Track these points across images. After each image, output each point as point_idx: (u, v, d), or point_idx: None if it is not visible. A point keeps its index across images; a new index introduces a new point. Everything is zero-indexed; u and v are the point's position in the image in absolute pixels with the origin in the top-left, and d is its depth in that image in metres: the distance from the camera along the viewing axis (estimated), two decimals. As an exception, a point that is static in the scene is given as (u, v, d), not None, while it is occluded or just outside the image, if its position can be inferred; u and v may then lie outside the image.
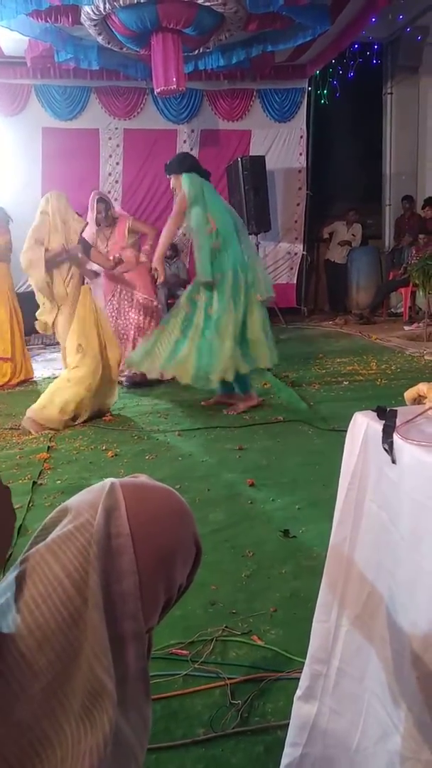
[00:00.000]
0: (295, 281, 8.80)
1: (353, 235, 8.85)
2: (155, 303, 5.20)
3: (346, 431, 1.04)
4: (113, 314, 5.11)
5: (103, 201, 5.04)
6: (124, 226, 5.07)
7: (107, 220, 5.02)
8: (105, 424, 3.90)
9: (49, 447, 3.46)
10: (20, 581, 0.70)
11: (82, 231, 4.20)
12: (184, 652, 1.63)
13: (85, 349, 3.95)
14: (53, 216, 3.98)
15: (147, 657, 0.74)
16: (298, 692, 1.12)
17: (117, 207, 7.08)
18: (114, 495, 0.74)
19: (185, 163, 4.01)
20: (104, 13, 5.42)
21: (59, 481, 2.93)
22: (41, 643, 0.67)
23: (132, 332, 5.07)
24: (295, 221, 8.67)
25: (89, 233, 4.92)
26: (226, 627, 1.73)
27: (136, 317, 5.08)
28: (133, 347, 5.02)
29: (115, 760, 0.66)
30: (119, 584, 0.69)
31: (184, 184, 3.89)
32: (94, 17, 5.51)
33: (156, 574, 0.72)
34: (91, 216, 5.00)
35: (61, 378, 4.02)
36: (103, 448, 3.41)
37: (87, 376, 3.92)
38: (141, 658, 0.71)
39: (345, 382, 4.71)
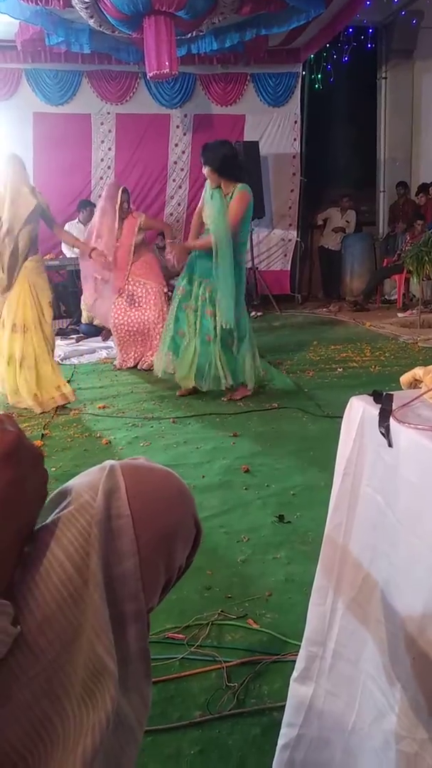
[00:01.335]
0: (289, 268, 8.78)
1: (347, 221, 8.81)
2: (167, 291, 5.19)
3: (340, 417, 1.04)
4: (123, 310, 5.08)
5: (127, 192, 5.04)
6: (135, 222, 5.02)
7: (125, 213, 4.99)
8: (99, 412, 3.90)
9: (43, 434, 3.46)
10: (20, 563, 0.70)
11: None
12: (181, 636, 1.64)
13: (26, 325, 3.93)
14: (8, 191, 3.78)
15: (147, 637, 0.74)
16: (295, 674, 1.13)
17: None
18: (114, 476, 0.74)
19: (232, 164, 3.84)
20: (96, -4, 5.34)
21: (54, 469, 2.93)
22: (41, 624, 0.67)
23: (152, 326, 5.04)
24: (289, 207, 8.63)
25: (97, 224, 4.90)
26: (221, 611, 1.74)
27: (153, 312, 5.04)
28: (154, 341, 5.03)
29: (116, 740, 0.66)
30: (120, 565, 0.70)
31: (244, 195, 3.81)
32: (86, 0, 5.43)
33: (156, 554, 0.73)
34: (106, 205, 4.97)
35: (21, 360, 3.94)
36: (98, 435, 3.41)
37: (32, 354, 3.93)
38: (142, 638, 0.72)
39: (339, 369, 4.72)
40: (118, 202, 4.93)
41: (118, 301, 5.09)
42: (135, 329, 5.09)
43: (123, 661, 0.68)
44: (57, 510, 0.74)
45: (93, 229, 5.01)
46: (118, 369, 5.12)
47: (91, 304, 5.39)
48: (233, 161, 3.91)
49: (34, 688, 0.65)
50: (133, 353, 5.17)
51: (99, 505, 0.71)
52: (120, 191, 4.99)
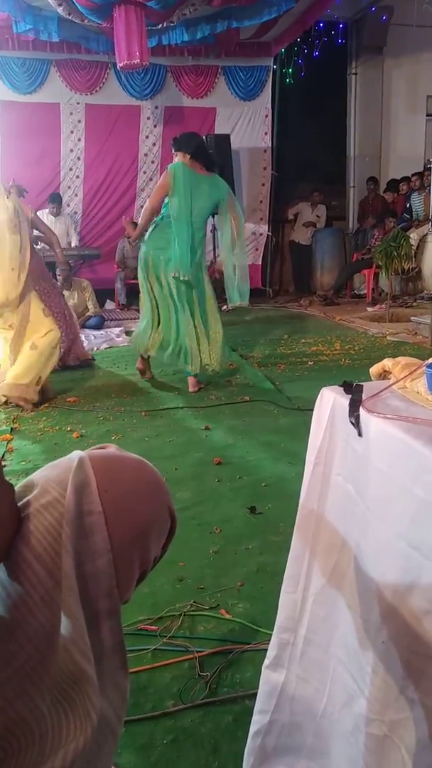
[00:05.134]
0: (260, 262, 8.79)
1: (318, 216, 8.87)
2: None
3: (310, 410, 1.06)
4: None
5: (20, 189, 4.86)
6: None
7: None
8: (69, 405, 3.86)
9: (12, 428, 3.42)
10: None
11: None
12: (153, 627, 1.64)
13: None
14: None
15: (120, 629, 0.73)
16: (266, 661, 1.14)
17: (79, 184, 6.81)
18: (83, 470, 0.71)
19: (191, 144, 3.98)
20: (65, -17, 5.26)
21: (23, 463, 2.90)
22: (12, 628, 0.65)
23: None
24: (261, 201, 8.64)
25: None
26: (194, 602, 1.75)
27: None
28: None
29: (95, 739, 0.66)
30: (93, 564, 0.67)
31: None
32: (54, -13, 5.34)
33: (130, 549, 0.70)
34: None
35: (40, 347, 3.83)
36: (68, 429, 3.38)
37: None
38: (116, 632, 0.70)
39: (310, 363, 4.76)
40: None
41: None
42: None
43: (98, 658, 0.67)
44: (21, 505, 0.70)
45: None
46: None
47: None
48: (199, 141, 4.11)
49: (7, 691, 0.63)
50: None
51: (69, 501, 0.68)
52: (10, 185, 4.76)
